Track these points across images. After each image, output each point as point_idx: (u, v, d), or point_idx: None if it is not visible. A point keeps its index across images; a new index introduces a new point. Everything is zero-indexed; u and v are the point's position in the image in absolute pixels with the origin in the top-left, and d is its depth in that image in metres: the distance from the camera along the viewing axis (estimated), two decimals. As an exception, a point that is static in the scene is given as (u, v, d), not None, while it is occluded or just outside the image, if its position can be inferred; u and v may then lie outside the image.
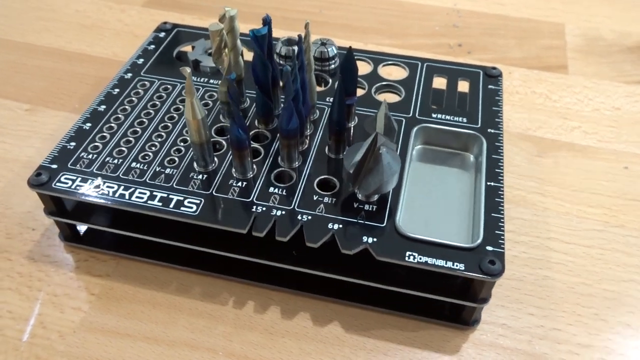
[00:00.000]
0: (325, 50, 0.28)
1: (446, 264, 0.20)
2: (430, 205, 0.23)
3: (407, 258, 0.20)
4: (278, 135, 0.24)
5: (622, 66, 0.35)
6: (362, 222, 0.21)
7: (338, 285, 0.23)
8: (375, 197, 0.22)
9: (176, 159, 0.24)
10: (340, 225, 0.21)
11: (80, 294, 0.24)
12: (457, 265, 0.20)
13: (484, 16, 0.40)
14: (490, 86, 0.27)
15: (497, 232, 0.21)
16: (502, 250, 0.20)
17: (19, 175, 0.28)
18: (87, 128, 0.25)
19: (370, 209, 0.22)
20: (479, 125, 0.25)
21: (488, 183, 0.23)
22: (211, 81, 0.28)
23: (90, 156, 0.24)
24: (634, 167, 0.29)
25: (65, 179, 0.23)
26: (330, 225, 0.21)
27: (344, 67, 0.23)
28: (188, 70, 0.20)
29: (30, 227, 0.26)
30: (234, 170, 0.23)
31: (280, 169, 0.23)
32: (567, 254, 0.25)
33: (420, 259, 0.20)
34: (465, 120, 0.26)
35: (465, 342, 0.22)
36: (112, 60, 0.35)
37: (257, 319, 0.23)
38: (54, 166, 0.23)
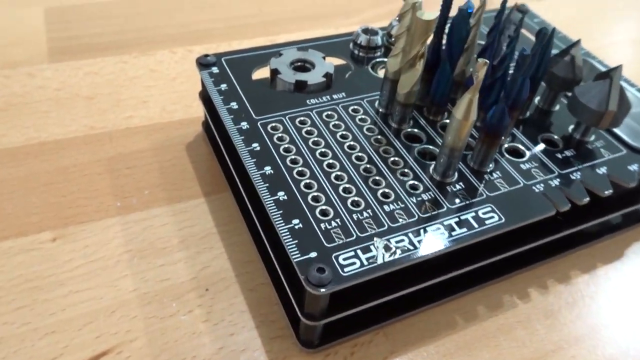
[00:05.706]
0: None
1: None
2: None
3: (674, 170, 0.22)
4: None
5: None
6: (610, 157, 0.22)
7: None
8: (593, 136, 0.23)
9: (415, 183, 0.20)
10: (604, 168, 0.21)
11: (396, 390, 0.18)
12: None
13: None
14: (535, 20, 0.30)
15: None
16: None
17: (146, 318, 0.19)
18: (286, 198, 0.19)
19: (602, 144, 0.23)
20: (571, 51, 0.28)
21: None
22: (335, 96, 0.23)
23: (333, 223, 0.18)
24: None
25: (344, 259, 0.17)
26: (599, 171, 0.21)
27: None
28: (486, 61, 0.17)
29: (248, 363, 0.18)
30: (473, 164, 0.21)
31: (505, 145, 0.22)
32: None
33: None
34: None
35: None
36: (109, 132, 0.26)
37: (550, 299, 0.22)
38: (313, 255, 0.17)
